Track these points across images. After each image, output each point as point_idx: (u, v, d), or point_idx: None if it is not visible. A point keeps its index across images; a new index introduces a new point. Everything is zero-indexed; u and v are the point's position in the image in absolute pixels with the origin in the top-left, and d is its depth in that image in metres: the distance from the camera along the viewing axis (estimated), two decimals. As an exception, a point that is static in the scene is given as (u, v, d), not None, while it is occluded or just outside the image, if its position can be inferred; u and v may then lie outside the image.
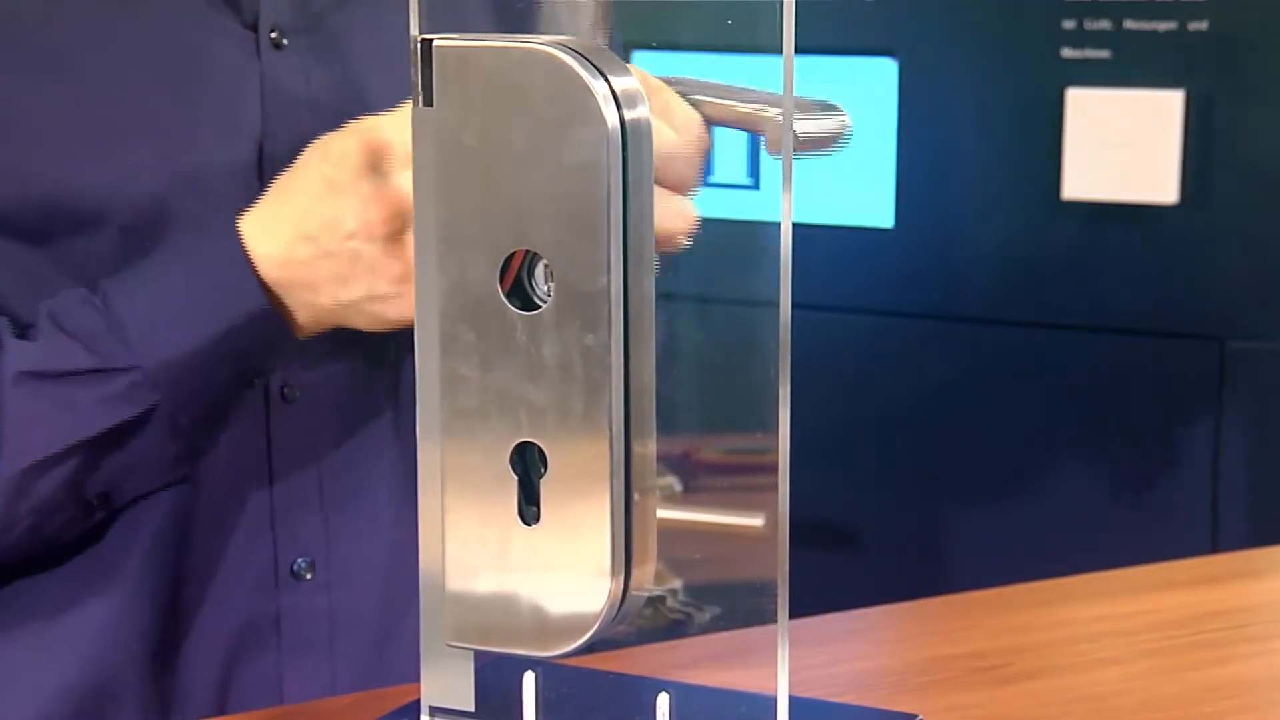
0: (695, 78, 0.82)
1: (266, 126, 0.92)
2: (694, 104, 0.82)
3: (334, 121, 0.86)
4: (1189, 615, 0.98)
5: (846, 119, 0.81)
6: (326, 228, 0.84)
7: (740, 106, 0.81)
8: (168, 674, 0.94)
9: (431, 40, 0.63)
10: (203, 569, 0.94)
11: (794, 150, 0.77)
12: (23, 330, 0.87)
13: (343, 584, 0.97)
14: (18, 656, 0.92)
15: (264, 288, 0.85)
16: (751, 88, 0.83)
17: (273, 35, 0.93)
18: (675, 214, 0.80)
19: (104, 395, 0.86)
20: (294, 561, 0.96)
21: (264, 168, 0.92)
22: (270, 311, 0.85)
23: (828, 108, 0.81)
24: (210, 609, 0.94)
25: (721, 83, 0.83)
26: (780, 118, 0.79)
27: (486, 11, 0.95)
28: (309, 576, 0.96)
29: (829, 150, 0.80)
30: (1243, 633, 0.96)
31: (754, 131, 0.81)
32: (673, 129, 0.79)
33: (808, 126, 0.80)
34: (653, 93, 0.78)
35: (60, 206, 0.89)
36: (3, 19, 0.88)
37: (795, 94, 0.78)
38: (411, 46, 0.63)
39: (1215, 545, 1.80)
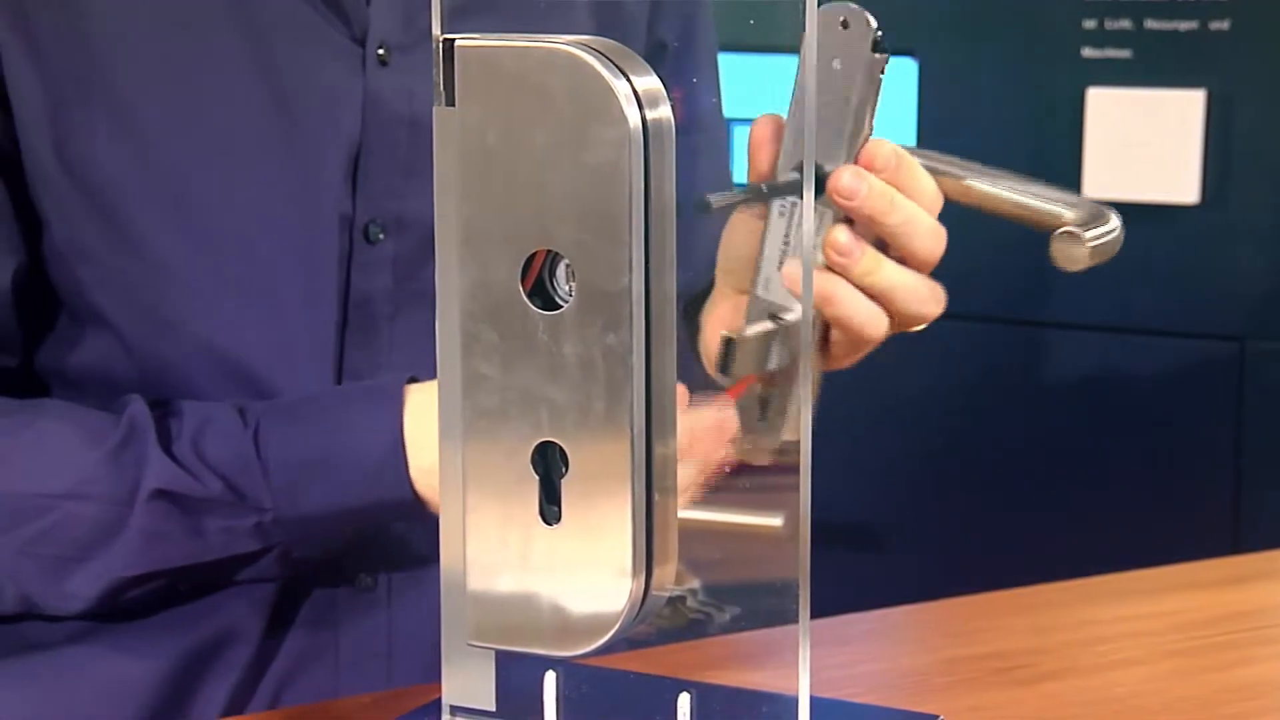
0: (960, 159, 0.83)
1: (364, 141, 0.93)
2: (973, 190, 0.82)
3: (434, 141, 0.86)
4: (1211, 616, 0.97)
5: (1118, 225, 0.81)
6: None
7: (1034, 203, 0.82)
8: (219, 681, 0.94)
9: (454, 40, 0.63)
10: (265, 585, 0.94)
11: (1081, 264, 0.78)
12: (163, 421, 0.88)
13: (404, 598, 0.97)
14: (82, 656, 0.93)
15: (410, 480, 0.86)
16: (1028, 178, 0.83)
17: (380, 52, 0.93)
18: (929, 298, 0.82)
19: (230, 527, 0.87)
20: (357, 574, 0.96)
21: (358, 181, 0.92)
22: (413, 502, 0.86)
23: (1098, 213, 0.81)
24: (270, 618, 0.94)
25: (991, 168, 0.83)
26: (1071, 220, 0.79)
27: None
28: (368, 591, 0.96)
29: (1103, 260, 0.81)
30: (1265, 634, 0.95)
31: (1036, 228, 0.81)
32: (920, 204, 0.80)
33: (1095, 233, 0.80)
34: (901, 163, 0.79)
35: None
36: (118, 23, 0.89)
37: (1060, 192, 0.80)
38: (433, 46, 0.63)
39: (1236, 546, 1.80)
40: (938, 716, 0.73)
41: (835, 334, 0.82)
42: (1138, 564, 1.06)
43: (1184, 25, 1.76)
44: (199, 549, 0.87)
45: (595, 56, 0.61)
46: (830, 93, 0.77)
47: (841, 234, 0.78)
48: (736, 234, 0.85)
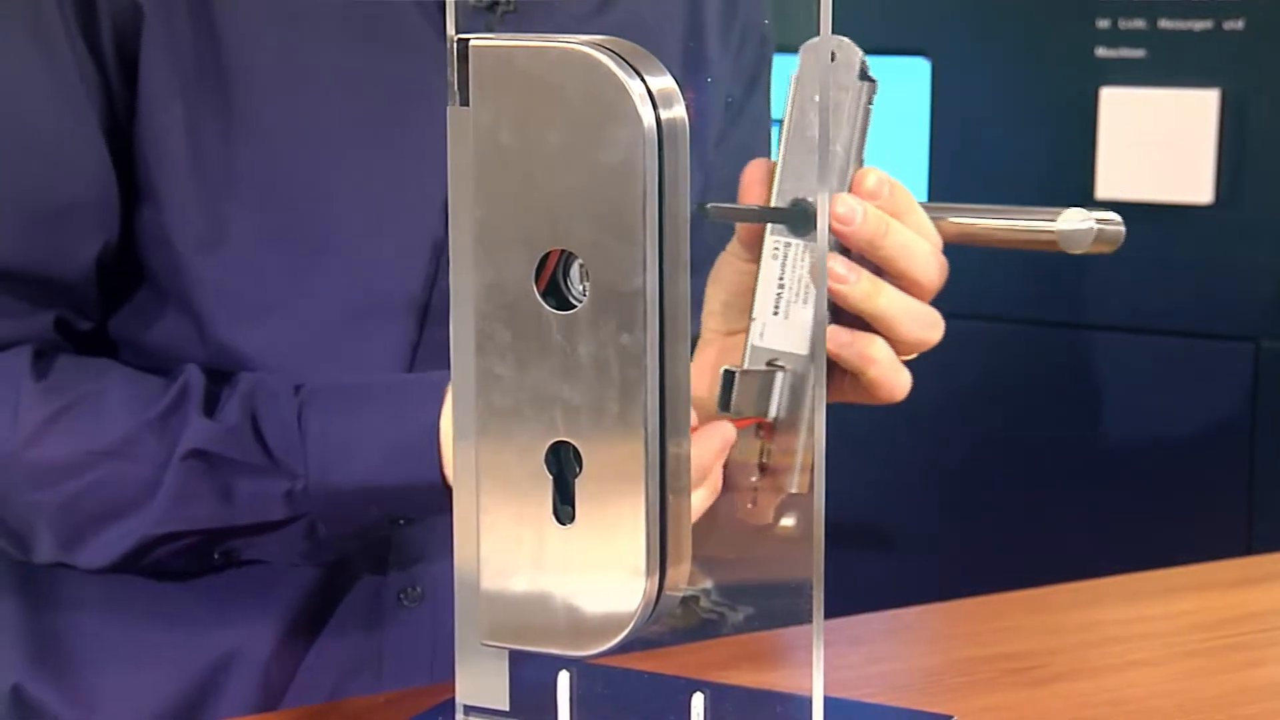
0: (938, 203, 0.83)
1: None
2: (963, 225, 0.82)
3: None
4: (1224, 617, 0.97)
5: (1121, 221, 0.82)
6: None
7: (1022, 223, 0.82)
8: (265, 695, 0.94)
9: (468, 40, 0.63)
10: (313, 597, 0.94)
11: (1085, 246, 0.79)
12: (215, 386, 0.89)
13: (449, 609, 0.97)
14: (126, 664, 0.94)
15: (442, 466, 0.86)
16: (995, 206, 0.83)
17: None
18: (929, 323, 0.81)
19: (261, 492, 0.88)
20: (402, 588, 0.96)
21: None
22: (439, 488, 0.86)
23: (1105, 218, 0.82)
24: (315, 630, 0.95)
25: (970, 205, 0.84)
26: (1061, 222, 0.80)
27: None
28: (414, 603, 0.96)
29: (1108, 249, 0.81)
30: (1279, 634, 0.95)
31: (1031, 248, 0.82)
32: (917, 232, 0.79)
33: (1102, 215, 0.81)
34: (894, 189, 0.79)
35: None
36: (248, 24, 0.90)
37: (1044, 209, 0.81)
38: (448, 46, 0.63)
39: (1250, 546, 1.79)
40: (951, 717, 0.73)
41: (853, 387, 0.82)
42: (1151, 564, 1.06)
43: (1198, 25, 1.76)
44: (228, 512, 0.88)
45: (610, 56, 0.61)
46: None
47: (836, 262, 0.77)
48: (725, 276, 0.84)
